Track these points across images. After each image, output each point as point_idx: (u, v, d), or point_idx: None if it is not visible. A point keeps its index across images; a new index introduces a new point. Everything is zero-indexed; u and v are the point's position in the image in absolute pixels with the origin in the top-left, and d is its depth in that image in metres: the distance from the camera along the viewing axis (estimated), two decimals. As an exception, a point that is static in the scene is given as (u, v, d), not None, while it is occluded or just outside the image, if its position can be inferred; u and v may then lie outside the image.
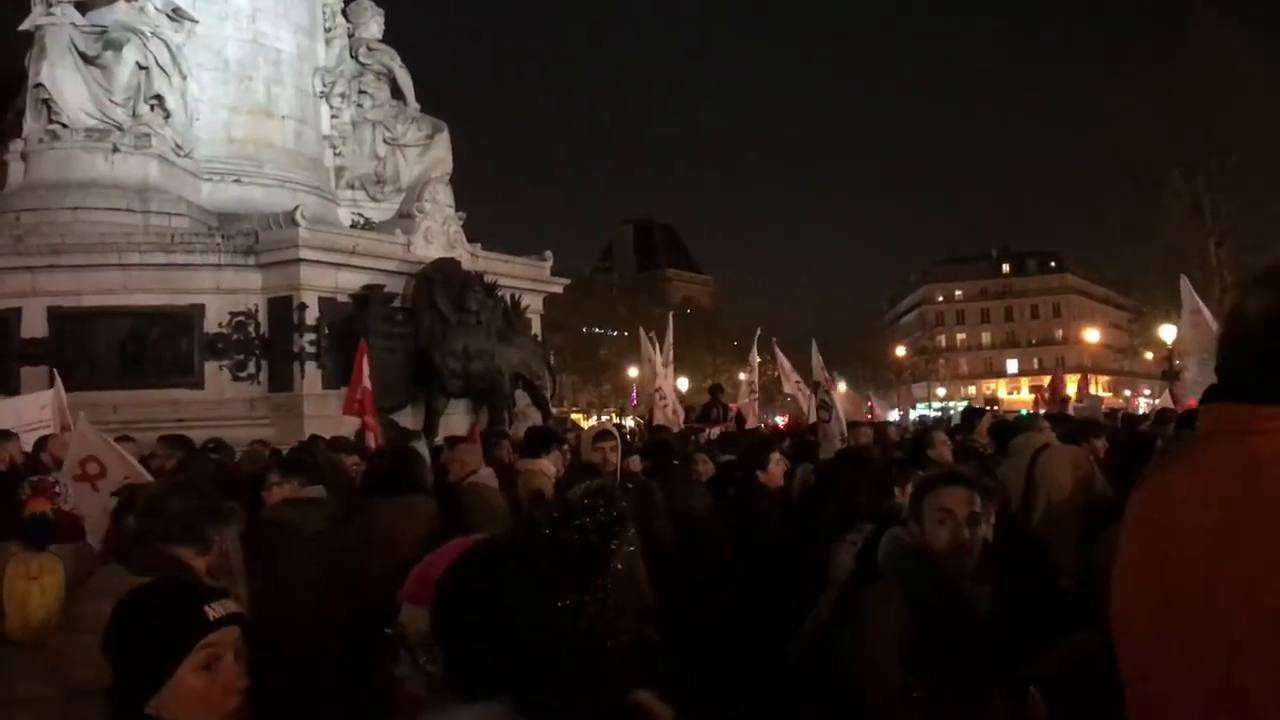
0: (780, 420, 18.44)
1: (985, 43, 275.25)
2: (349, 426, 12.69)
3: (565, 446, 7.67)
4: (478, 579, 1.54)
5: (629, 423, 31.74)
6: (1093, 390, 22.83)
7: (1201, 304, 11.95)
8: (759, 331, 18.59)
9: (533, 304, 17.26)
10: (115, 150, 13.98)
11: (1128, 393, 64.22)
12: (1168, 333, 29.09)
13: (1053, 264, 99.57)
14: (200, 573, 3.43)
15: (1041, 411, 15.74)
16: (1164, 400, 15.90)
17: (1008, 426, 8.23)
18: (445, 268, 14.71)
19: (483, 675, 1.48)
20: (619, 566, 1.55)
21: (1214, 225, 35.84)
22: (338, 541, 4.89)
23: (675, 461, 8.06)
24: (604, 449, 6.62)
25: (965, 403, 67.11)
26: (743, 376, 23.75)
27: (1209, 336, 10.04)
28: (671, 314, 18.94)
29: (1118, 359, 76.53)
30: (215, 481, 6.02)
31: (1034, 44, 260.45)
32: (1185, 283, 17.22)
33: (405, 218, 15.81)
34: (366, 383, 11.75)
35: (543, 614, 1.46)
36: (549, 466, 6.87)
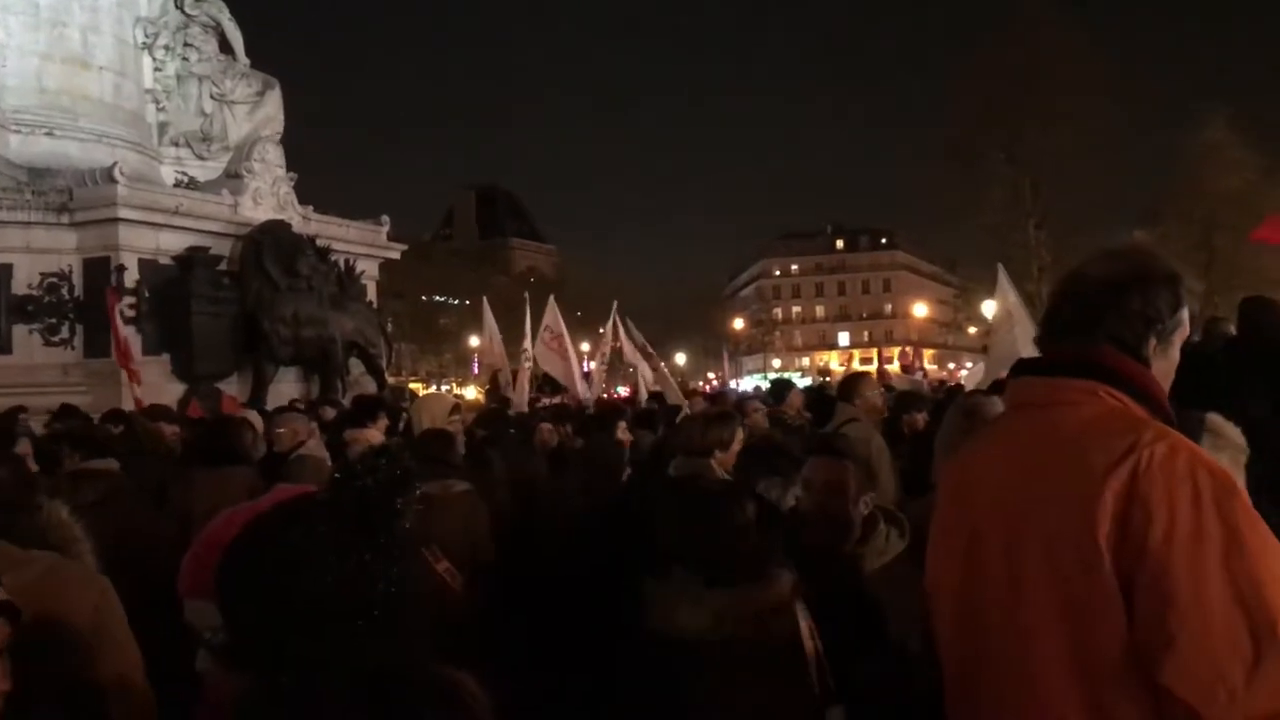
0: (623, 390, 18.58)
1: (828, 25, 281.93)
2: (171, 394, 12.24)
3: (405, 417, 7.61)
4: (255, 547, 1.53)
5: (469, 393, 31.50)
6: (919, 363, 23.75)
7: (1011, 292, 12.57)
8: (615, 304, 18.54)
9: (368, 270, 16.88)
10: (-89, 96, 12.98)
11: (952, 365, 67.15)
12: (989, 308, 30.52)
13: (884, 241, 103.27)
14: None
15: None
16: (973, 375, 16.64)
17: (824, 399, 8.53)
18: (275, 230, 14.24)
19: (267, 646, 1.48)
20: (406, 526, 1.56)
21: (1033, 207, 37.78)
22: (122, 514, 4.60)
23: (512, 430, 8.08)
24: (454, 422, 6.63)
25: (799, 373, 69.17)
26: (585, 347, 23.82)
27: (1011, 323, 10.61)
28: (554, 295, 18.66)
29: (943, 333, 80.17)
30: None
31: (874, 28, 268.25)
32: (1001, 271, 18.06)
33: (233, 178, 15.19)
34: (123, 332, 11.60)
35: (324, 577, 1.46)
36: (376, 436, 6.81)
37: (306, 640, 1.45)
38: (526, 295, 18.52)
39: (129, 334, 12.23)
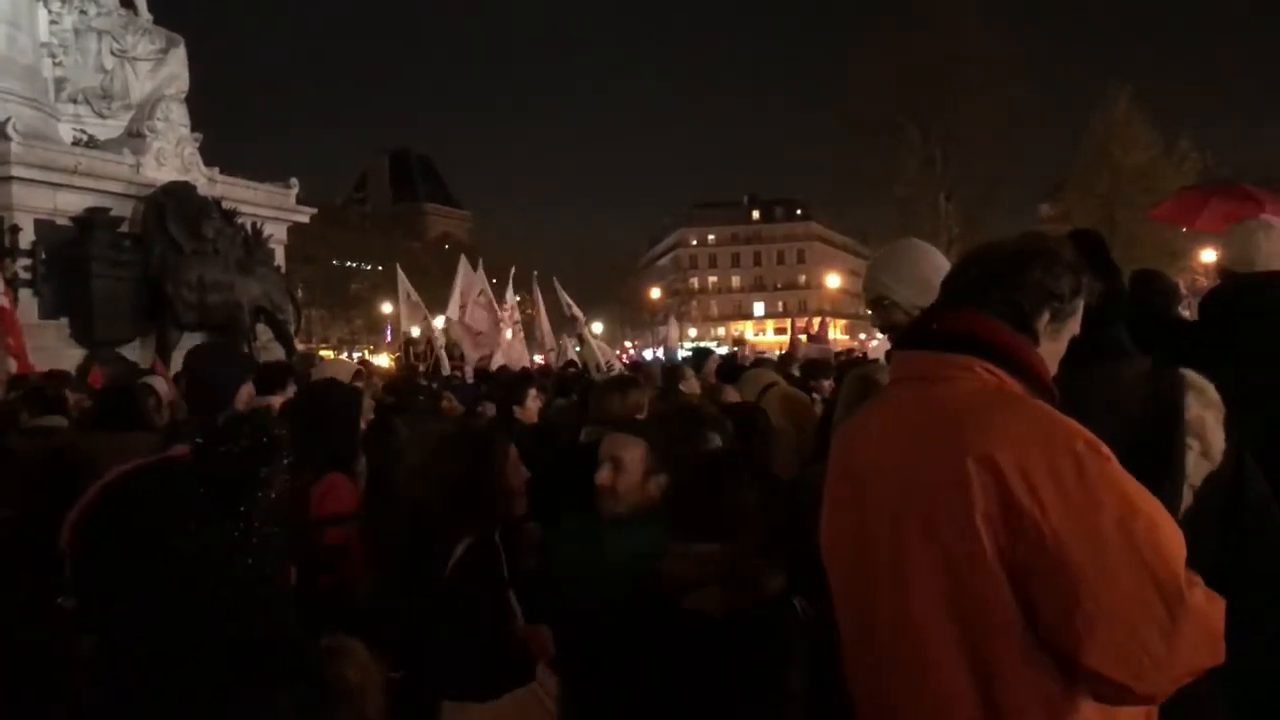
0: (539, 359, 18.49)
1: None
2: (70, 359, 11.87)
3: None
4: (109, 509, 1.48)
5: (382, 361, 31.05)
6: (831, 333, 24.06)
7: None
8: (514, 269, 18.44)
9: (276, 234, 16.51)
10: None
11: (863, 335, 68.11)
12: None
13: (798, 212, 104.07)
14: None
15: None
16: (881, 345, 17.01)
17: (735, 366, 8.62)
18: (179, 192, 13.85)
19: (117, 611, 1.45)
20: (272, 496, 1.53)
21: (944, 179, 38.50)
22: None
23: (421, 398, 8.02)
24: (357, 387, 6.55)
25: (715, 343, 69.56)
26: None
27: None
28: (515, 267, 18.45)
29: (854, 303, 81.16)
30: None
31: (790, 2, 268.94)
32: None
33: (135, 137, 14.70)
34: (2, 300, 11.16)
35: (179, 544, 1.43)
36: (280, 402, 6.69)
37: (160, 607, 1.41)
38: (464, 261, 18.26)
39: (7, 301, 11.47)
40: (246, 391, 6.36)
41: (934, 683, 1.87)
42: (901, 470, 1.95)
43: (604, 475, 3.40)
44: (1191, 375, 2.33)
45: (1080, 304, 2.10)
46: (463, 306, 16.54)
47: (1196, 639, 1.76)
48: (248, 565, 1.45)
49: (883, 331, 3.15)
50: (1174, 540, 1.79)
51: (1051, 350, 2.06)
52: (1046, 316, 2.03)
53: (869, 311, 3.26)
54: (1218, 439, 2.26)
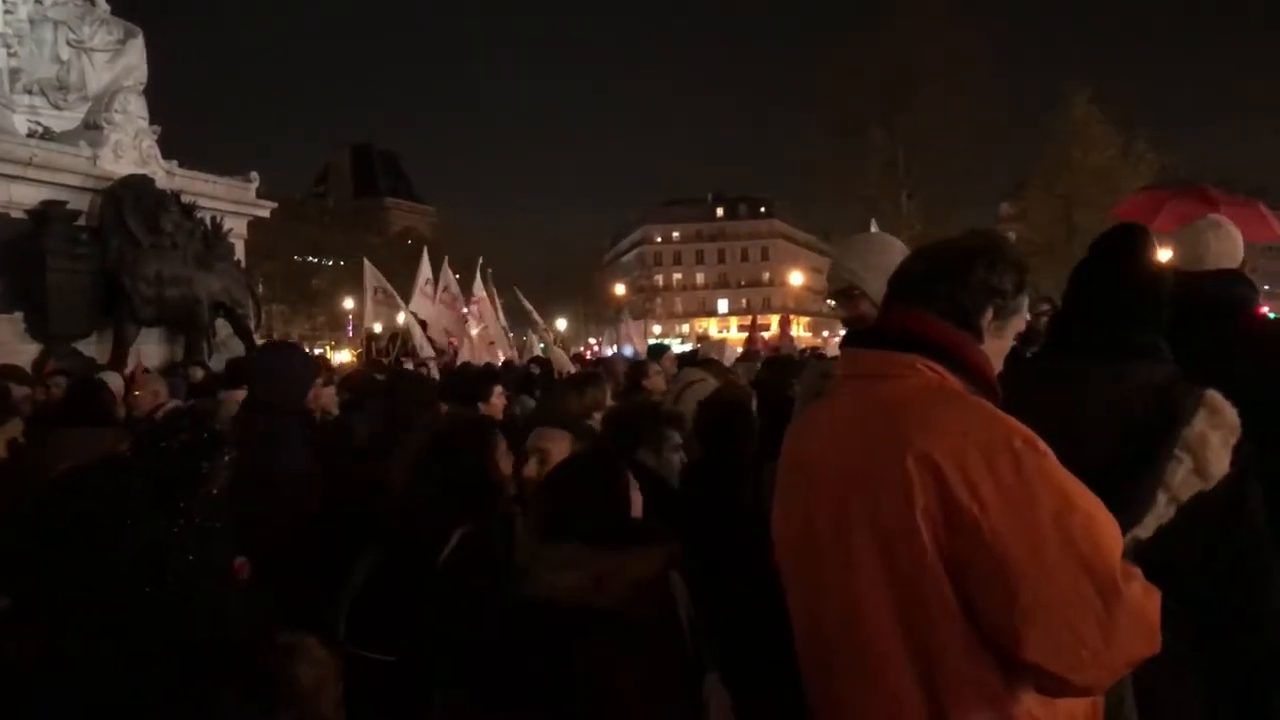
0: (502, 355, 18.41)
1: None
2: (26, 354, 11.70)
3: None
4: (49, 509, 1.46)
5: (343, 356, 30.84)
6: (794, 331, 24.24)
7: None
8: (480, 261, 18.37)
9: (236, 228, 16.30)
10: None
11: (825, 333, 68.48)
12: (861, 278, 31.23)
13: (762, 209, 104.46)
14: None
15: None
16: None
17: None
18: (137, 185, 13.64)
19: (55, 612, 1.43)
20: (214, 491, 1.51)
21: (906, 179, 38.84)
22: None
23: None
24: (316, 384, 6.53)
25: (679, 339, 69.69)
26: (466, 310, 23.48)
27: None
28: (484, 261, 18.36)
29: (817, 301, 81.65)
30: None
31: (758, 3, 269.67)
32: (874, 226, 18.89)
33: (92, 129, 14.47)
34: None
35: (118, 543, 1.41)
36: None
37: (99, 605, 1.39)
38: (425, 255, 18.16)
39: None
40: (326, 394, 6.34)
41: (879, 675, 1.90)
42: (846, 467, 1.97)
43: (530, 468, 3.46)
44: (1213, 395, 2.32)
45: (1024, 301, 2.13)
46: (433, 299, 16.55)
47: (1133, 630, 1.79)
48: (189, 561, 1.43)
49: (847, 324, 3.13)
50: (1110, 534, 1.82)
51: (995, 347, 2.09)
52: (990, 314, 2.07)
53: (832, 303, 3.26)
54: (1219, 461, 2.25)
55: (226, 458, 1.53)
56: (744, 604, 2.95)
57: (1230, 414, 2.29)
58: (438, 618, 3.13)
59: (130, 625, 1.40)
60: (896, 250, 3.13)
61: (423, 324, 16.54)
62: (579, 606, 2.61)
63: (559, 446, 3.48)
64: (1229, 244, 3.84)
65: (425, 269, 17.13)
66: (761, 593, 2.91)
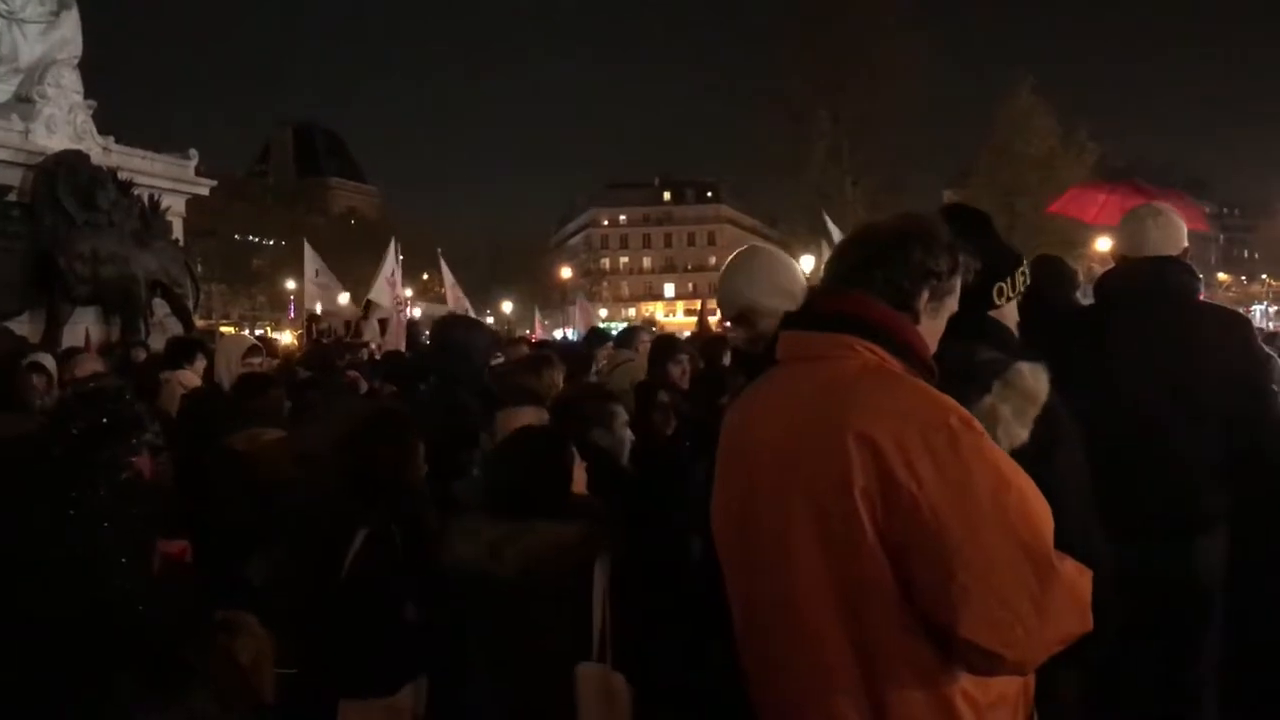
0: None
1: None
2: (-47, 333, 11.38)
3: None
4: None
5: (284, 337, 30.44)
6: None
7: (838, 236, 13.15)
8: (440, 250, 18.23)
9: (174, 206, 15.99)
10: None
11: (771, 318, 68.57)
12: (807, 263, 31.54)
13: (709, 194, 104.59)
14: None
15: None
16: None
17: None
18: (71, 161, 13.32)
19: None
20: (123, 475, 1.45)
21: (851, 165, 39.08)
22: None
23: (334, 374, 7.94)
24: (253, 364, 6.52)
25: (626, 324, 69.63)
26: (409, 293, 23.29)
27: None
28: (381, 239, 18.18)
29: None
30: None
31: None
32: (826, 218, 19.01)
33: (24, 102, 14.09)
34: None
35: (19, 524, 1.36)
36: (193, 379, 6.60)
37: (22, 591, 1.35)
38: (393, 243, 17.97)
39: None
40: (89, 371, 6.23)
41: (816, 654, 1.91)
42: (784, 448, 1.98)
43: None
44: (1018, 367, 2.21)
45: (958, 282, 2.15)
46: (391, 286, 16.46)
47: (1066, 607, 1.82)
48: (83, 543, 1.38)
49: (748, 347, 3.05)
50: (1043, 513, 1.84)
51: (931, 328, 2.11)
52: (926, 295, 2.08)
53: (728, 326, 3.24)
54: (1008, 433, 2.13)
55: (138, 440, 1.46)
56: (659, 603, 2.89)
57: (1027, 385, 2.18)
58: (339, 626, 2.99)
59: (27, 606, 1.36)
60: (781, 266, 3.13)
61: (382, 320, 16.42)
62: (482, 575, 2.64)
63: (528, 422, 3.46)
64: (1170, 230, 3.88)
65: (390, 260, 17.01)
66: (680, 598, 2.85)
